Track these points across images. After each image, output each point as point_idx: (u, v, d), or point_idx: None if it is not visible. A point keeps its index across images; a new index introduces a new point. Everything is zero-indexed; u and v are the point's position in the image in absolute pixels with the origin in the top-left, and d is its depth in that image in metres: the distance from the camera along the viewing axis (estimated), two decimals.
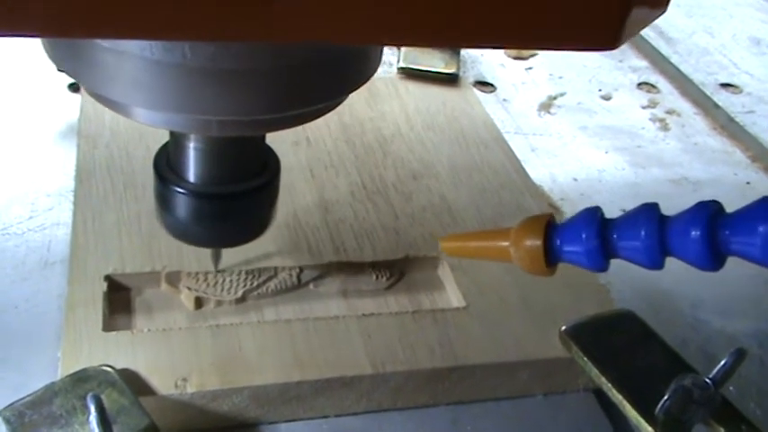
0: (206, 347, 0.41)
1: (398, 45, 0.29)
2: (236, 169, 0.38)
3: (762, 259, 0.35)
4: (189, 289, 0.45)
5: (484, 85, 0.78)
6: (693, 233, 0.37)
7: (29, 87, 0.67)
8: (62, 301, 0.45)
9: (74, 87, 0.67)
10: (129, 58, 0.28)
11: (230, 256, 0.47)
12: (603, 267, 0.40)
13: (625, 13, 0.24)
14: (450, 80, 0.69)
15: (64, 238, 0.51)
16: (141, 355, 0.41)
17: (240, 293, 0.46)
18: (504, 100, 0.76)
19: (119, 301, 0.45)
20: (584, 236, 0.40)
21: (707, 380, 0.41)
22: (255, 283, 0.46)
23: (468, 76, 0.77)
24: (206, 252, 0.47)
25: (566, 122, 0.74)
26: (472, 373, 0.44)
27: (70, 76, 0.32)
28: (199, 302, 0.45)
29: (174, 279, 0.46)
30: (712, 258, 0.37)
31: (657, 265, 0.39)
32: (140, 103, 0.30)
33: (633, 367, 0.43)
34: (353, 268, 0.49)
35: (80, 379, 0.38)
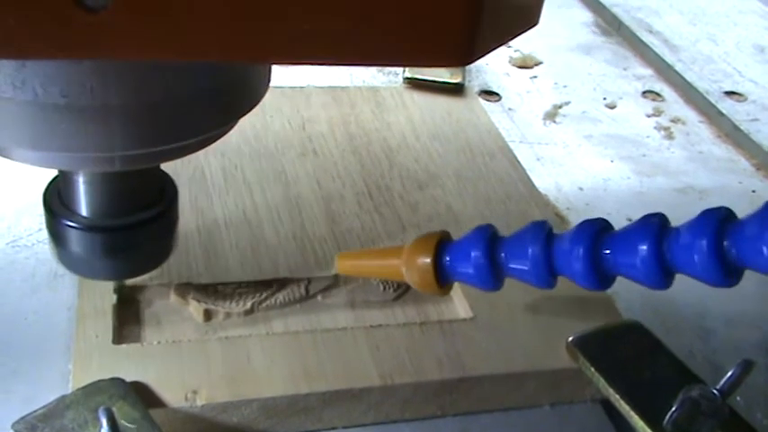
0: (215, 360, 0.42)
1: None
2: (128, 201, 0.37)
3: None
4: (198, 301, 0.46)
5: (489, 94, 0.78)
6: (577, 251, 0.37)
7: None
8: (72, 313, 0.45)
9: None
10: None
11: (238, 268, 0.47)
12: (496, 287, 0.40)
13: (473, 31, 0.23)
14: (456, 90, 0.69)
15: None
16: (151, 367, 0.41)
17: (249, 305, 0.46)
18: (510, 109, 0.76)
19: (128, 312, 0.45)
20: (473, 254, 0.39)
21: (714, 391, 0.41)
22: (264, 295, 0.47)
23: (474, 85, 0.78)
24: (215, 265, 0.47)
25: (571, 131, 0.74)
26: (480, 383, 0.44)
27: None
28: (208, 314, 0.45)
29: (183, 291, 0.46)
30: (596, 277, 0.37)
31: (548, 284, 0.39)
32: (11, 144, 0.29)
33: (641, 378, 0.43)
34: (361, 279, 0.49)
35: (91, 392, 0.38)
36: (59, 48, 0.22)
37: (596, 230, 0.38)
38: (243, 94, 0.33)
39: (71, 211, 0.37)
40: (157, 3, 0.22)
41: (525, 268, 0.39)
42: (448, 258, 0.40)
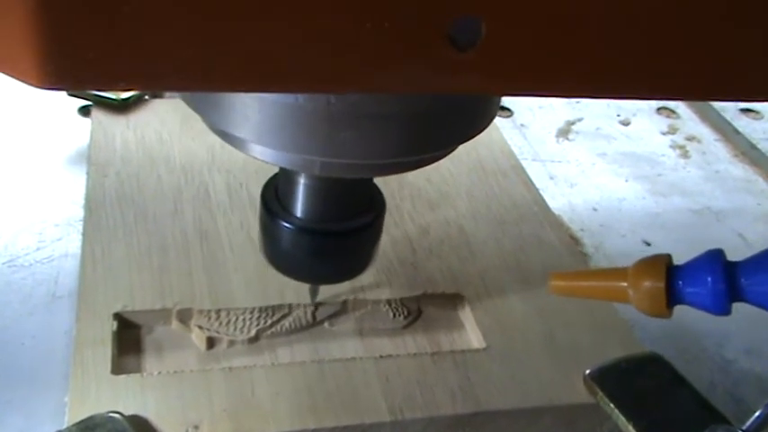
0: (218, 392, 0.40)
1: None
2: (343, 207, 0.38)
3: None
4: (200, 328, 0.44)
5: (501, 109, 0.76)
6: None
7: (37, 111, 0.66)
8: (69, 338, 0.43)
9: (84, 111, 0.65)
10: (260, 102, 0.28)
11: (243, 293, 0.46)
12: (727, 311, 0.39)
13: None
14: None
15: (72, 270, 0.49)
16: (151, 400, 0.39)
17: (253, 333, 0.44)
18: (522, 125, 0.74)
19: (128, 339, 0.43)
20: (709, 279, 0.39)
21: (740, 431, 0.39)
22: (269, 322, 0.45)
23: None
24: (218, 289, 0.46)
25: (584, 149, 0.72)
26: (494, 418, 0.42)
27: (191, 107, 0.31)
28: (210, 342, 0.44)
29: (185, 317, 0.44)
30: None
31: None
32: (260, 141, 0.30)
33: (661, 414, 0.42)
34: (370, 305, 0.47)
35: (87, 427, 0.36)
36: (424, 83, 0.23)
37: None
38: (469, 119, 0.32)
39: (287, 211, 0.38)
40: (523, 43, 0.23)
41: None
42: (680, 282, 0.40)
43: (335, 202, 0.38)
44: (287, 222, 0.38)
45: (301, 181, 0.37)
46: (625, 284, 0.40)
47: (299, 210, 0.38)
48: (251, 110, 0.28)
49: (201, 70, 0.21)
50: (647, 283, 0.39)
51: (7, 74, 0.21)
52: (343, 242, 0.39)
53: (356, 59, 0.22)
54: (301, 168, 0.33)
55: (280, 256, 0.40)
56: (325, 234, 0.38)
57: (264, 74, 0.22)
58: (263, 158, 0.32)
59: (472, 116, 0.32)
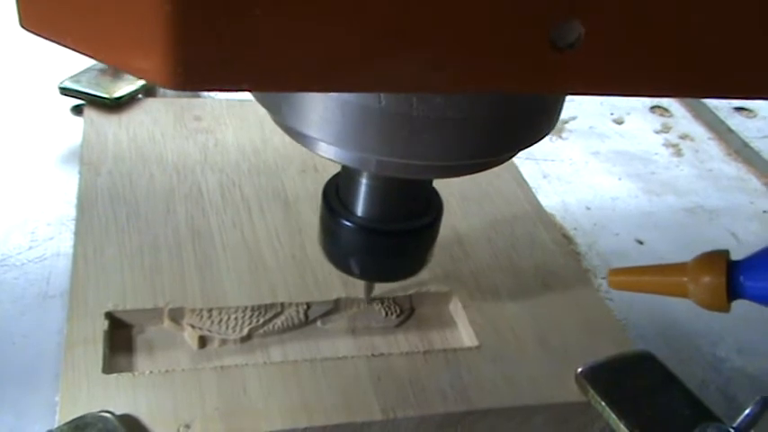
0: (210, 391, 0.40)
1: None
2: (404, 208, 0.39)
3: None
4: (192, 327, 0.44)
5: None
6: None
7: (30, 109, 0.66)
8: (61, 338, 0.43)
9: (76, 110, 0.65)
10: (339, 102, 0.29)
11: (235, 292, 0.46)
12: None
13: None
14: None
15: (64, 269, 0.49)
16: (143, 399, 0.39)
17: (245, 332, 0.44)
18: None
19: (120, 339, 0.43)
20: None
21: (731, 429, 0.39)
22: (261, 321, 0.45)
23: None
24: (210, 288, 0.46)
25: (577, 147, 0.72)
26: (485, 417, 0.42)
27: (262, 105, 0.32)
28: (203, 341, 0.44)
29: (177, 316, 0.44)
30: None
31: None
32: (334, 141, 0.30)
33: (653, 412, 0.42)
34: (362, 304, 0.47)
35: (78, 426, 0.36)
36: (526, 83, 0.24)
37: None
38: (530, 125, 0.33)
39: (347, 210, 0.39)
40: (620, 43, 0.24)
41: None
42: (741, 277, 0.40)
43: (399, 203, 0.38)
44: (347, 221, 0.38)
45: (364, 181, 0.37)
46: (685, 279, 0.41)
47: (359, 209, 0.38)
48: (332, 113, 0.29)
49: (329, 71, 0.22)
50: (707, 279, 0.40)
51: (137, 75, 0.22)
52: (403, 242, 0.39)
53: (474, 62, 0.23)
54: (373, 169, 0.34)
55: (338, 252, 0.40)
56: (385, 234, 0.38)
57: (386, 75, 0.23)
58: (335, 158, 0.33)
59: (539, 122, 0.33)
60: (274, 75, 0.22)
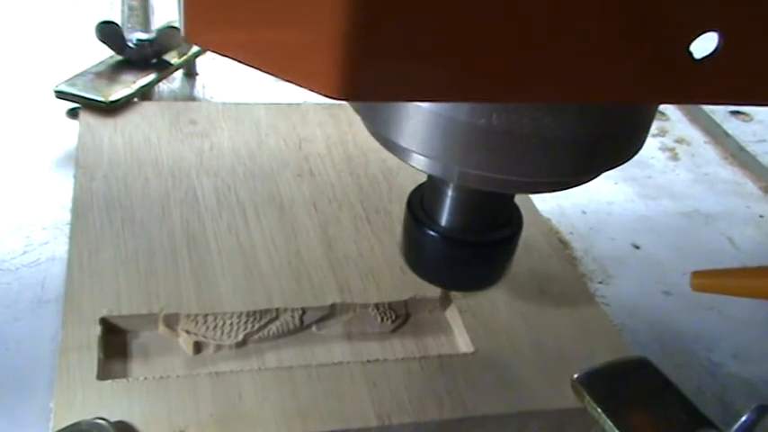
0: (205, 397, 0.40)
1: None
2: (486, 220, 0.39)
3: None
4: (187, 332, 0.44)
5: None
6: None
7: (25, 112, 0.66)
8: (56, 344, 0.43)
9: (72, 114, 0.65)
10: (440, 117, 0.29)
11: (230, 297, 0.46)
12: None
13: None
14: None
15: (59, 274, 0.49)
16: (137, 405, 0.39)
17: (241, 337, 0.44)
18: None
19: (114, 344, 0.43)
20: None
21: None
22: (256, 326, 0.45)
23: None
24: (206, 293, 0.46)
25: None
26: (481, 423, 0.42)
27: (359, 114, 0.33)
28: (198, 347, 0.43)
29: (172, 321, 0.44)
30: None
31: None
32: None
33: (649, 419, 0.41)
34: (358, 309, 0.47)
35: None
36: (665, 94, 0.25)
37: None
38: (617, 148, 0.33)
39: (431, 220, 0.39)
40: (756, 54, 0.24)
41: None
42: None
43: (486, 214, 0.39)
44: (432, 230, 0.39)
45: (449, 193, 0.38)
46: None
47: (444, 219, 0.39)
48: (434, 129, 0.29)
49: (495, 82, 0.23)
50: None
51: (304, 86, 0.22)
52: (485, 253, 0.40)
53: (621, 75, 0.24)
54: (464, 182, 0.34)
55: (420, 260, 0.41)
56: (468, 244, 0.39)
57: (551, 85, 0.23)
58: (428, 170, 0.33)
59: (629, 142, 0.33)
60: (448, 84, 0.23)
